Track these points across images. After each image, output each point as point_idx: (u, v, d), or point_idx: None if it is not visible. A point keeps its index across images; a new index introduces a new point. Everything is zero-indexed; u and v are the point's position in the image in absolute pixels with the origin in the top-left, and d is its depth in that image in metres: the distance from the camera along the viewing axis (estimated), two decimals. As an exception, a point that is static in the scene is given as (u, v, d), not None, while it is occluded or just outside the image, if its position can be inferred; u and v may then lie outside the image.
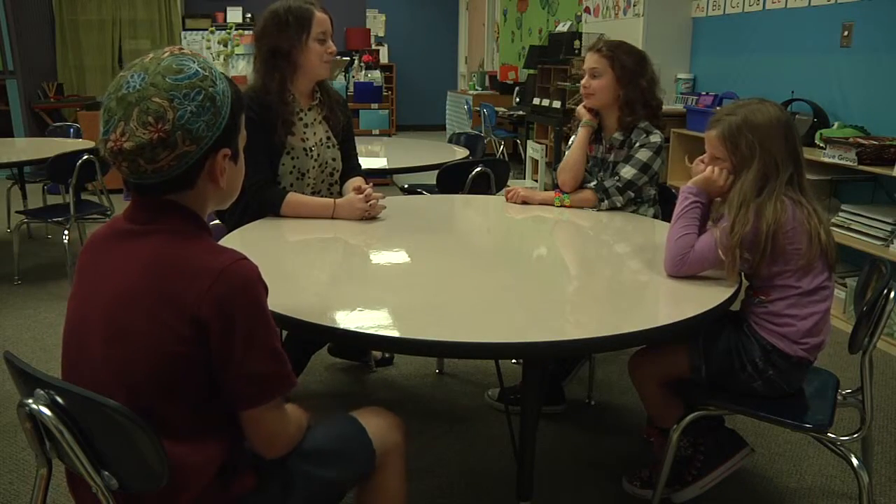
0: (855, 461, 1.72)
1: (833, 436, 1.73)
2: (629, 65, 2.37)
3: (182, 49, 1.15)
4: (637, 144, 2.37)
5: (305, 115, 2.35)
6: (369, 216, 2.24)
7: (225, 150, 1.16)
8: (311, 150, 2.35)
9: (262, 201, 2.23)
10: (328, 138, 2.41)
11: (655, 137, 2.36)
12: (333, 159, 2.43)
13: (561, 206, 2.43)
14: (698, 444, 1.97)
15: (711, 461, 1.96)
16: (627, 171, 2.36)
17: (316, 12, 2.24)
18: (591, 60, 2.40)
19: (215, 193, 1.20)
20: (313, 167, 2.36)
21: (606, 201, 2.39)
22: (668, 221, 2.34)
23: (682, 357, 1.81)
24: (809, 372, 1.94)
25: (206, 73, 1.12)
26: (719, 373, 1.78)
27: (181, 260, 1.11)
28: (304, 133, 2.34)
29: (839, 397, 1.85)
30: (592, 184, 2.44)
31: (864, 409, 1.76)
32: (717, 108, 4.49)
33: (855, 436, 1.76)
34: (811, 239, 1.67)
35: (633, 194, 2.40)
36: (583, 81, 2.43)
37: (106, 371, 1.10)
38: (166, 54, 1.12)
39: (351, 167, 2.49)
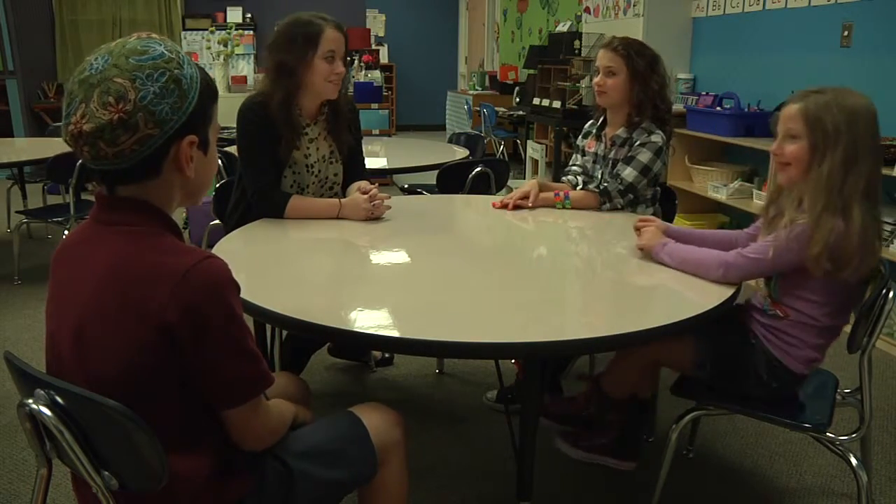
0: (854, 461, 1.72)
1: (832, 435, 1.73)
2: (642, 64, 2.36)
3: (151, 34, 1.10)
4: (637, 144, 2.36)
5: (311, 129, 2.33)
6: (374, 216, 2.24)
7: (191, 137, 1.10)
8: (313, 167, 2.34)
9: (266, 205, 2.22)
10: (331, 153, 2.39)
11: (657, 137, 2.35)
12: (335, 174, 2.41)
13: (563, 209, 2.43)
14: (622, 422, 2.02)
15: (611, 447, 2.02)
16: (629, 174, 2.36)
17: (327, 29, 2.18)
18: (605, 58, 2.38)
19: (183, 185, 1.14)
20: (313, 182, 2.36)
21: (608, 203, 2.39)
22: (667, 221, 2.35)
23: (687, 350, 1.80)
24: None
25: (173, 56, 1.08)
26: (723, 375, 1.78)
27: (142, 263, 1.06)
28: (308, 149, 2.32)
29: (838, 397, 1.85)
30: (593, 185, 2.44)
31: (862, 409, 1.75)
32: (718, 108, 4.49)
33: (854, 435, 1.76)
34: (861, 267, 1.57)
35: (632, 196, 2.40)
36: (596, 80, 2.41)
37: (81, 382, 1.07)
38: (133, 37, 1.09)
39: (356, 175, 2.45)
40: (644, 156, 2.35)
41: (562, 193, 2.44)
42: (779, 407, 1.75)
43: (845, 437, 1.74)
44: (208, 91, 1.13)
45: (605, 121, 2.52)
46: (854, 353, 1.74)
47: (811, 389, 1.84)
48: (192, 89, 1.09)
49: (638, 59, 2.35)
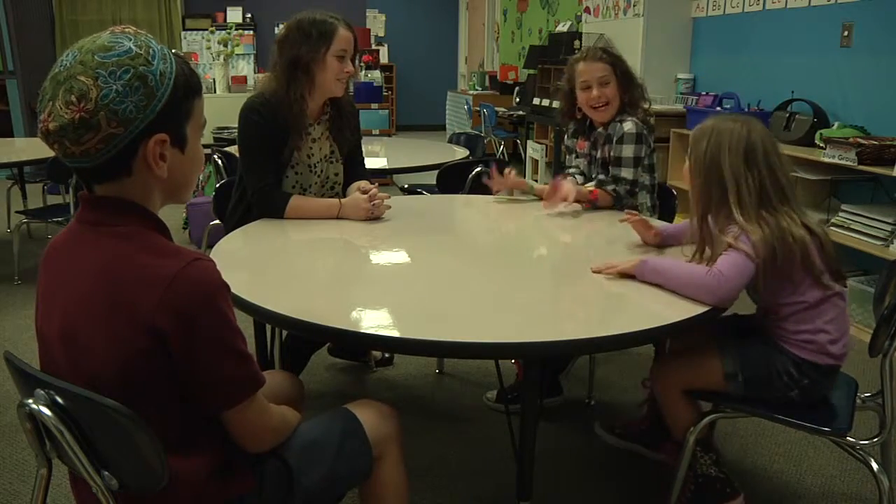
0: (875, 465, 1.70)
1: (852, 440, 1.71)
2: (626, 67, 2.42)
3: (126, 28, 1.08)
4: (615, 140, 2.39)
5: (314, 129, 2.33)
6: (374, 216, 2.24)
7: (160, 136, 1.07)
8: (315, 167, 2.34)
9: (266, 205, 2.22)
10: (332, 153, 2.40)
11: (628, 125, 2.38)
12: (336, 174, 2.42)
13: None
14: (720, 463, 1.94)
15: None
16: (628, 172, 2.38)
17: (340, 28, 2.21)
18: (597, 70, 2.39)
19: (159, 183, 1.11)
20: (315, 182, 2.36)
21: (619, 204, 2.42)
22: (667, 221, 2.35)
23: (714, 367, 1.77)
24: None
25: (140, 52, 1.04)
26: (756, 382, 1.74)
27: (130, 266, 1.05)
28: (311, 149, 2.33)
29: (858, 401, 1.82)
30: (610, 187, 2.42)
31: (884, 414, 1.73)
32: (718, 108, 4.49)
33: (875, 440, 1.73)
34: (794, 258, 1.64)
35: (636, 188, 2.43)
36: (593, 94, 2.39)
37: (76, 383, 1.06)
38: (106, 33, 1.06)
39: (356, 175, 2.46)
40: (628, 150, 2.37)
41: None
42: (799, 411, 1.72)
43: (866, 442, 1.72)
44: (186, 87, 1.09)
45: (591, 121, 2.53)
46: (875, 356, 1.72)
47: (831, 393, 1.81)
48: (162, 86, 1.05)
49: (620, 62, 2.41)
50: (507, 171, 2.52)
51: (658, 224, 2.08)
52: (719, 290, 1.57)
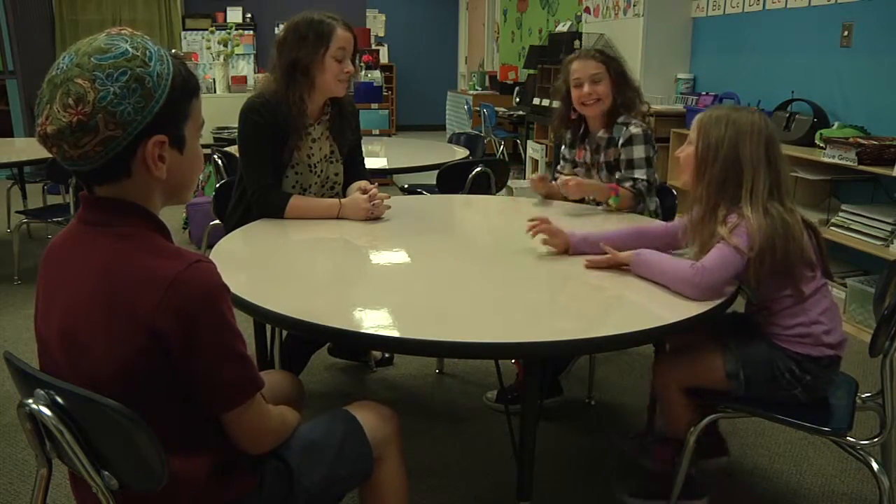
0: (875, 465, 1.70)
1: (852, 440, 1.71)
2: (621, 68, 2.44)
3: (123, 29, 1.07)
4: (622, 143, 2.39)
5: (314, 129, 2.34)
6: (374, 216, 2.24)
7: (159, 137, 1.06)
8: (315, 167, 2.34)
9: (266, 205, 2.23)
10: (332, 153, 2.40)
11: (635, 129, 2.39)
12: (336, 174, 2.42)
13: (609, 207, 2.41)
14: (697, 462, 1.93)
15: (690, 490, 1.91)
16: (641, 173, 2.39)
17: (338, 28, 2.20)
18: (590, 67, 2.41)
19: (159, 184, 1.11)
20: (315, 182, 2.36)
21: (642, 204, 2.42)
22: (667, 220, 2.35)
23: (715, 365, 1.77)
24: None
25: (137, 53, 1.03)
26: (758, 381, 1.74)
27: (130, 267, 1.05)
28: (311, 149, 2.33)
29: (858, 401, 1.82)
30: (628, 184, 2.41)
31: (884, 414, 1.73)
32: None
33: (875, 440, 1.73)
34: (792, 250, 1.65)
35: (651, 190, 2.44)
36: (584, 91, 2.41)
37: (75, 383, 1.06)
38: (103, 35, 1.06)
39: (356, 175, 2.46)
40: (638, 150, 2.38)
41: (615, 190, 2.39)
42: (798, 410, 1.72)
43: (866, 442, 1.72)
44: (184, 88, 1.09)
45: (586, 127, 2.53)
46: (875, 357, 1.72)
47: (831, 393, 1.81)
48: (160, 88, 1.05)
49: (614, 62, 2.44)
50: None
51: (580, 232, 1.96)
52: (701, 283, 1.58)
